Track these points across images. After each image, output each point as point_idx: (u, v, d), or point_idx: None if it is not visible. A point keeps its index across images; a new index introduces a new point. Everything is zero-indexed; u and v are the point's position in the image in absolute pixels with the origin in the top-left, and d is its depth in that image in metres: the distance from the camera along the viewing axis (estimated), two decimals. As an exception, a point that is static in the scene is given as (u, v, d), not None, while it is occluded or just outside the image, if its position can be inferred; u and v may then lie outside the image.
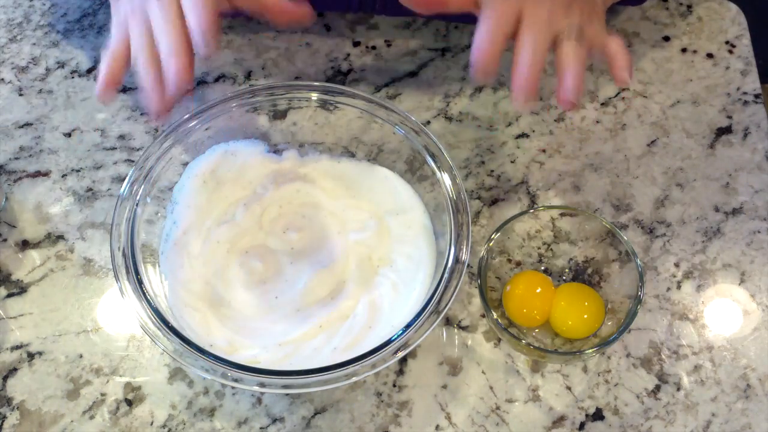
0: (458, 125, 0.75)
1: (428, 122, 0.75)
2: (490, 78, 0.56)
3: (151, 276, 0.62)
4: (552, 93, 0.77)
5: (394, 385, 0.64)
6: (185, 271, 0.64)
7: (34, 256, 0.69)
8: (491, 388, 0.63)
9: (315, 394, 0.63)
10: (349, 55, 0.79)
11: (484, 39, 0.56)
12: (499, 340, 0.65)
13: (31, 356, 0.65)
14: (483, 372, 0.64)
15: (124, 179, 0.65)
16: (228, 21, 0.81)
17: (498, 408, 0.63)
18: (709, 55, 0.79)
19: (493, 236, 0.63)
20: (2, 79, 0.78)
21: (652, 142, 0.74)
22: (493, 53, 0.56)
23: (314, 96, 0.68)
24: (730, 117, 0.75)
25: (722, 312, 0.66)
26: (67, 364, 0.65)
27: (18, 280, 0.68)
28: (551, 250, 0.66)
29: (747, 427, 0.62)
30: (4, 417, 0.63)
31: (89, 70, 0.79)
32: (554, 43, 0.58)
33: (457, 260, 0.60)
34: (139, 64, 0.59)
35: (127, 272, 0.60)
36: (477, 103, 0.76)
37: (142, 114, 0.76)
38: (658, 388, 0.63)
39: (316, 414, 0.63)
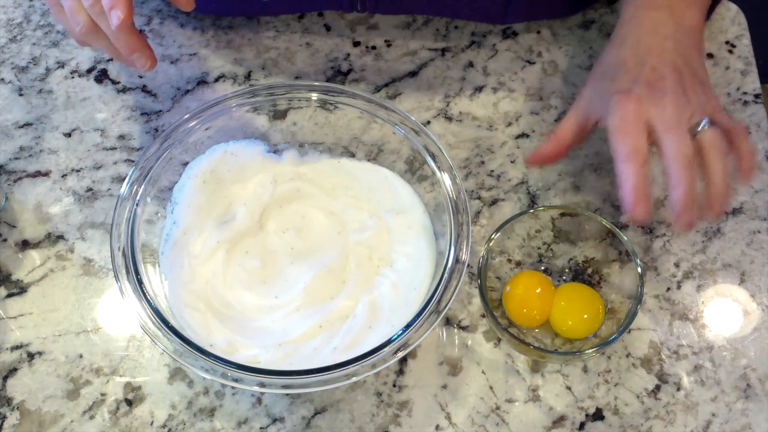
0: (458, 125, 0.75)
1: (428, 122, 0.75)
2: (649, 216, 0.57)
3: (151, 276, 0.62)
4: (552, 92, 0.77)
5: (394, 385, 0.64)
6: (185, 271, 0.64)
7: (34, 256, 0.69)
8: (491, 388, 0.63)
9: (315, 394, 0.63)
10: (349, 55, 0.79)
11: (632, 193, 0.57)
12: (499, 340, 0.65)
13: (31, 356, 0.65)
14: (483, 372, 0.64)
15: (124, 179, 0.65)
16: (228, 21, 0.81)
17: (498, 408, 0.63)
18: (709, 55, 0.79)
19: (493, 236, 0.63)
20: (2, 79, 0.78)
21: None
22: (645, 194, 0.57)
23: (314, 96, 0.68)
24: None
25: (722, 312, 0.66)
26: (67, 364, 0.65)
27: (18, 280, 0.68)
28: (551, 250, 0.66)
29: (747, 427, 0.62)
30: (4, 417, 0.63)
31: (89, 70, 0.79)
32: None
33: (457, 260, 0.60)
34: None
35: (127, 272, 0.60)
36: (477, 103, 0.76)
37: (142, 114, 0.76)
38: (658, 388, 0.63)
39: (316, 414, 0.63)
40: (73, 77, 0.78)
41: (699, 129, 0.58)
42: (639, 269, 0.61)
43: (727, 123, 0.60)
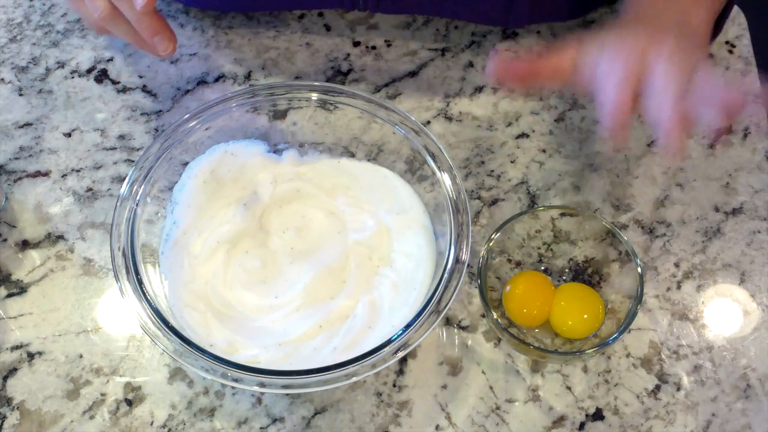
0: (458, 125, 0.75)
1: (428, 122, 0.75)
2: (626, 141, 0.55)
3: (151, 276, 0.62)
4: (551, 93, 0.77)
5: (394, 385, 0.64)
6: (185, 271, 0.64)
7: (34, 256, 0.69)
8: (491, 388, 0.63)
9: (315, 394, 0.63)
10: (349, 55, 0.79)
11: (613, 104, 0.55)
12: (499, 340, 0.65)
13: (31, 356, 0.65)
14: (483, 372, 0.64)
15: (124, 179, 0.65)
16: (228, 21, 0.81)
17: (498, 408, 0.63)
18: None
19: (493, 236, 0.63)
20: (2, 79, 0.78)
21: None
22: (624, 118, 0.55)
23: (314, 96, 0.68)
24: (730, 117, 0.75)
25: (722, 312, 0.66)
26: (67, 364, 0.65)
27: (18, 280, 0.68)
28: (551, 250, 0.66)
29: (747, 427, 0.62)
30: (4, 417, 0.63)
31: (89, 70, 0.79)
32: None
33: (457, 260, 0.60)
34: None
35: (127, 272, 0.60)
36: (477, 103, 0.76)
37: (142, 114, 0.76)
38: (658, 388, 0.63)
39: (316, 414, 0.63)
40: (73, 77, 0.78)
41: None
42: (639, 269, 0.61)
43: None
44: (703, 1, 0.64)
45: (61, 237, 0.70)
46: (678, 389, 0.63)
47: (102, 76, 0.78)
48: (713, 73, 0.56)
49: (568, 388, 0.63)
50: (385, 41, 0.80)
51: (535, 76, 0.60)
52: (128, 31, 0.65)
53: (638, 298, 0.60)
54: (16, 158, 0.74)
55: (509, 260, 0.66)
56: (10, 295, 0.67)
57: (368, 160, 0.70)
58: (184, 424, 0.62)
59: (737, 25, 0.81)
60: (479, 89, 0.77)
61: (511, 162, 0.73)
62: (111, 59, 0.79)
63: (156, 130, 0.75)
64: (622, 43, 0.58)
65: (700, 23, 0.63)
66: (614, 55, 0.57)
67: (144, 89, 0.77)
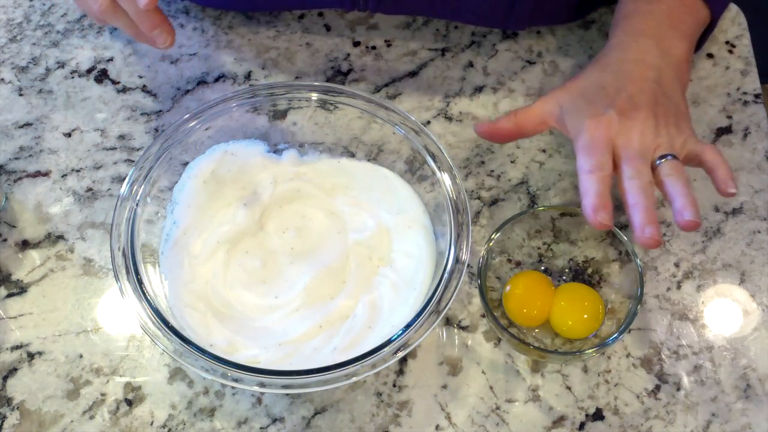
0: (458, 125, 0.75)
1: (428, 122, 0.75)
2: (611, 222, 0.57)
3: (151, 276, 0.62)
4: (552, 93, 0.77)
5: (394, 385, 0.64)
6: (185, 271, 0.64)
7: (34, 256, 0.69)
8: (491, 388, 0.63)
9: (315, 394, 0.63)
10: (349, 55, 0.79)
11: (593, 199, 0.57)
12: (499, 340, 0.65)
13: (31, 356, 0.65)
14: (483, 372, 0.64)
15: (124, 179, 0.65)
16: (228, 21, 0.81)
17: (498, 408, 0.63)
18: (709, 55, 0.79)
19: (493, 236, 0.63)
20: (2, 79, 0.78)
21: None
22: (607, 201, 0.57)
23: (314, 96, 0.68)
24: (730, 117, 0.75)
25: (722, 312, 0.66)
26: (67, 364, 0.65)
27: (18, 280, 0.68)
28: (551, 250, 0.66)
29: (747, 427, 0.62)
30: (4, 417, 0.63)
31: (89, 70, 0.79)
32: (651, 167, 0.59)
33: (457, 260, 0.60)
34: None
35: (127, 272, 0.60)
36: (477, 103, 0.76)
37: (142, 114, 0.76)
38: (658, 388, 0.63)
39: (316, 414, 0.63)
40: (73, 77, 0.78)
41: (659, 162, 0.59)
42: (639, 269, 0.61)
43: (696, 146, 0.61)
44: (684, 31, 0.66)
45: (61, 237, 0.70)
46: (678, 389, 0.63)
47: (102, 76, 0.78)
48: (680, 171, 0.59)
49: (568, 388, 0.63)
50: (385, 41, 0.80)
51: (519, 132, 0.65)
52: (128, 24, 0.65)
53: (638, 298, 0.60)
54: (16, 158, 0.74)
55: (509, 260, 0.66)
56: (10, 295, 0.67)
57: (368, 160, 0.70)
58: (184, 424, 0.62)
59: (737, 25, 0.81)
60: (479, 89, 0.77)
61: (511, 162, 0.73)
62: (111, 59, 0.79)
63: (156, 130, 0.75)
64: (597, 124, 0.61)
65: (680, 52, 0.65)
66: (588, 141, 0.60)
67: (144, 89, 0.77)
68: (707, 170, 0.60)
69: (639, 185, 0.58)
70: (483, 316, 0.66)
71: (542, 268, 0.66)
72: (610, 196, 0.58)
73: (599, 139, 0.60)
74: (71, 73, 0.78)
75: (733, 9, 0.81)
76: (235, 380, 0.56)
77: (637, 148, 0.59)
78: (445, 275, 0.59)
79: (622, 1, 0.69)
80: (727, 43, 0.80)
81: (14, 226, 0.71)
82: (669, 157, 0.59)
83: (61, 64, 0.79)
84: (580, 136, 0.61)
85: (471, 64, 0.79)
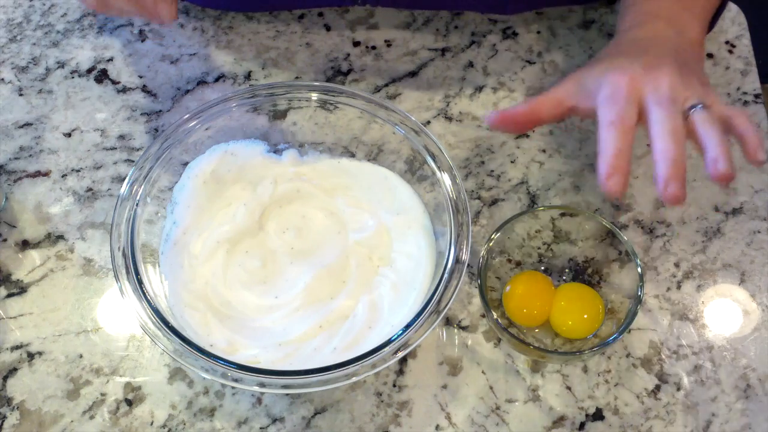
0: (458, 125, 0.75)
1: (428, 122, 0.75)
2: (624, 192, 0.53)
3: (151, 276, 0.62)
4: (552, 93, 0.77)
5: (394, 385, 0.64)
6: (185, 271, 0.64)
7: (34, 256, 0.69)
8: (491, 388, 0.63)
9: (315, 394, 0.63)
10: (349, 55, 0.79)
11: (610, 158, 0.53)
12: (499, 340, 0.65)
13: (31, 356, 0.65)
14: (483, 372, 0.64)
15: (124, 179, 0.65)
16: (228, 21, 0.81)
17: (498, 408, 0.63)
18: (709, 55, 0.79)
19: (493, 236, 0.63)
20: (2, 79, 0.78)
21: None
22: (624, 163, 0.53)
23: (314, 96, 0.68)
24: (730, 117, 0.75)
25: (722, 312, 0.66)
26: (67, 364, 0.65)
27: (18, 280, 0.68)
28: (551, 250, 0.66)
29: (747, 427, 0.62)
30: (4, 417, 0.63)
31: (89, 70, 0.79)
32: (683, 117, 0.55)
33: (457, 260, 0.60)
34: None
35: (127, 272, 0.60)
36: (477, 103, 0.76)
37: (142, 114, 0.76)
38: (658, 388, 0.63)
39: (316, 414, 0.63)
40: (73, 77, 0.78)
41: (691, 111, 0.55)
42: (639, 269, 0.61)
43: (726, 110, 0.57)
44: (697, 13, 0.64)
45: (61, 237, 0.70)
46: (678, 389, 0.63)
47: (102, 76, 0.78)
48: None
49: (568, 388, 0.63)
50: (385, 41, 0.80)
51: (536, 116, 0.59)
52: (128, 3, 0.62)
53: (638, 298, 0.60)
54: (16, 158, 0.74)
55: (509, 260, 0.66)
56: (10, 295, 0.67)
57: (368, 160, 0.70)
58: (184, 424, 0.62)
59: (737, 25, 0.81)
60: (479, 89, 0.77)
61: (511, 162, 0.73)
62: (111, 59, 0.79)
63: (156, 130, 0.75)
64: (621, 73, 0.57)
65: (696, 34, 0.63)
66: (611, 91, 0.56)
67: (144, 89, 0.77)
68: (737, 135, 0.55)
69: (671, 129, 0.53)
70: (483, 316, 0.66)
71: (542, 268, 0.66)
72: (629, 157, 0.53)
73: (623, 86, 0.55)
74: (71, 73, 0.78)
75: (733, 9, 0.81)
76: (235, 380, 0.56)
77: (666, 93, 0.55)
78: (445, 275, 0.59)
79: None
80: (727, 43, 0.80)
81: (14, 226, 0.71)
82: (700, 107, 0.55)
83: (61, 64, 0.79)
84: (601, 88, 0.56)
85: (471, 64, 0.79)
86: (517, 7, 0.77)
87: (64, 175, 0.73)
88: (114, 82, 0.78)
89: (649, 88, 0.56)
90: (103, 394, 0.63)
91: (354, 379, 0.56)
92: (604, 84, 0.57)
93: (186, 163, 0.68)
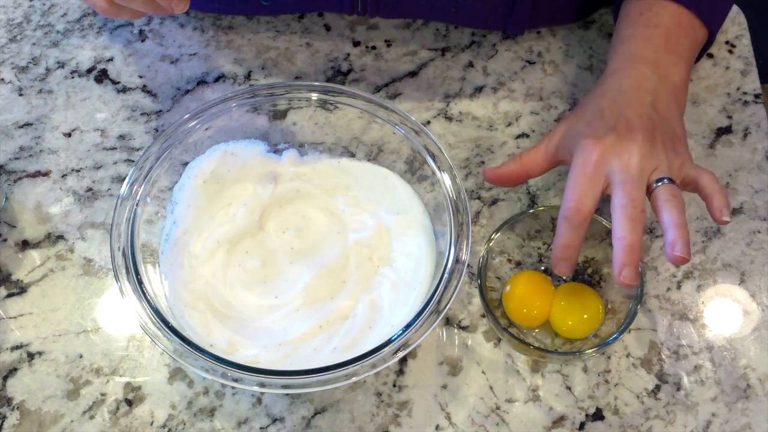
0: (458, 125, 0.75)
1: (428, 122, 0.75)
2: (570, 273, 0.59)
3: (151, 276, 0.62)
4: (552, 92, 0.77)
5: (394, 385, 0.64)
6: (185, 271, 0.64)
7: (34, 256, 0.69)
8: (491, 388, 0.63)
9: (315, 394, 0.63)
10: (349, 55, 0.79)
11: (560, 241, 0.59)
12: (499, 340, 0.65)
13: (31, 356, 0.65)
14: (483, 372, 0.64)
15: (124, 179, 0.65)
16: (228, 21, 0.81)
17: (498, 408, 0.63)
18: (709, 55, 0.79)
19: (493, 236, 0.63)
20: (2, 79, 0.78)
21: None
22: (572, 253, 0.59)
23: (314, 96, 0.68)
24: (730, 117, 0.75)
25: (722, 312, 0.66)
26: (67, 364, 0.65)
27: (18, 280, 0.68)
28: (551, 250, 0.66)
29: (747, 427, 0.62)
30: (4, 417, 0.63)
31: (89, 70, 0.79)
32: (647, 189, 0.59)
33: (457, 260, 0.60)
34: None
35: (127, 272, 0.60)
36: (477, 103, 0.76)
37: (142, 114, 0.76)
38: (658, 388, 0.63)
39: (316, 414, 0.63)
40: (73, 77, 0.78)
41: (656, 186, 0.59)
42: (639, 269, 0.61)
43: (693, 171, 0.61)
44: (683, 53, 0.66)
45: (61, 237, 0.70)
46: (678, 389, 0.63)
47: (102, 76, 0.78)
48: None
49: (568, 388, 0.63)
50: (385, 41, 0.80)
51: (526, 173, 0.65)
52: (144, 3, 0.62)
53: (638, 298, 0.60)
54: (16, 158, 0.74)
55: (509, 260, 0.66)
56: (10, 295, 0.67)
57: (368, 160, 0.70)
58: (184, 424, 0.62)
59: (737, 25, 0.81)
60: (479, 89, 0.77)
61: (511, 162, 0.73)
62: (111, 59, 0.79)
63: (156, 130, 0.75)
64: (595, 142, 0.60)
65: (678, 77, 0.65)
66: (581, 163, 0.60)
67: (144, 89, 0.77)
68: (703, 196, 0.60)
69: (629, 216, 0.57)
70: (483, 316, 0.66)
71: (542, 268, 0.66)
72: (578, 248, 0.58)
73: (593, 162, 0.59)
74: (71, 73, 0.78)
75: (734, 9, 0.81)
76: (235, 380, 0.56)
77: (634, 170, 0.59)
78: (445, 275, 0.59)
79: (620, 25, 0.69)
80: (727, 43, 0.80)
81: (14, 226, 0.71)
82: (666, 181, 0.59)
83: (61, 64, 0.79)
84: (574, 157, 0.61)
85: (471, 64, 0.79)
86: (517, 28, 0.77)
87: (64, 175, 0.73)
88: (114, 82, 0.78)
89: (617, 165, 0.59)
90: (103, 394, 0.63)
91: (354, 379, 0.56)
92: (578, 151, 0.61)
93: (186, 163, 0.68)
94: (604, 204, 0.71)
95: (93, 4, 0.63)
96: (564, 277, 0.66)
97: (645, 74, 0.64)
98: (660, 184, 0.59)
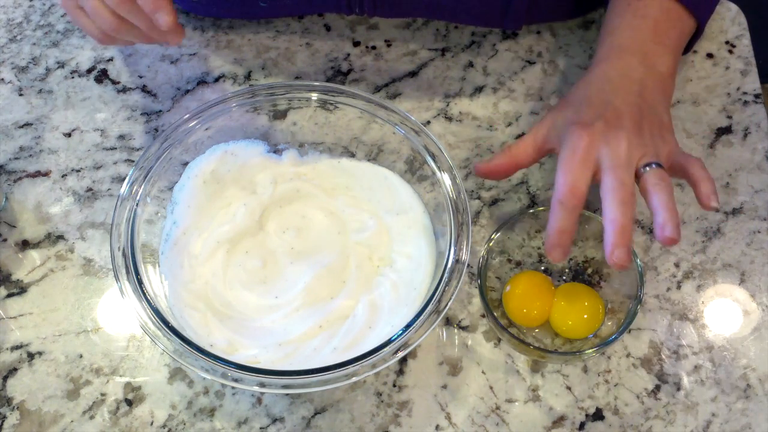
0: (458, 125, 0.75)
1: (428, 122, 0.75)
2: (564, 259, 0.59)
3: (151, 276, 0.62)
4: (552, 92, 0.77)
5: (394, 385, 0.64)
6: (185, 271, 0.64)
7: (34, 256, 0.69)
8: (491, 388, 0.63)
9: (315, 394, 0.63)
10: (349, 55, 0.79)
11: (554, 227, 0.58)
12: (499, 340, 0.65)
13: (31, 356, 0.65)
14: (483, 372, 0.64)
15: (124, 179, 0.65)
16: (228, 21, 0.81)
17: (498, 408, 0.63)
18: (709, 55, 0.79)
19: (493, 236, 0.63)
20: (2, 79, 0.78)
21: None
22: (566, 240, 0.58)
23: (314, 96, 0.68)
24: (730, 117, 0.75)
25: (722, 312, 0.66)
26: (67, 364, 0.65)
27: (18, 280, 0.68)
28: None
29: (747, 427, 0.62)
30: (4, 417, 0.63)
31: (89, 70, 0.79)
32: (636, 175, 0.59)
33: (457, 260, 0.60)
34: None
35: (127, 272, 0.60)
36: (477, 103, 0.76)
37: (142, 114, 0.76)
38: (658, 388, 0.63)
39: (316, 414, 0.63)
40: (73, 77, 0.78)
41: (644, 170, 0.59)
42: (639, 269, 0.61)
43: (681, 158, 0.61)
44: (669, 45, 0.66)
45: (61, 237, 0.70)
46: (678, 389, 0.63)
47: (102, 76, 0.78)
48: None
49: (568, 388, 0.63)
50: (385, 41, 0.80)
51: (515, 164, 0.65)
52: (138, 35, 0.62)
53: (638, 298, 0.60)
54: (16, 158, 0.74)
55: (509, 260, 0.66)
56: (10, 295, 0.67)
57: (368, 160, 0.70)
58: (184, 424, 0.62)
59: (737, 25, 0.81)
60: (479, 89, 0.77)
61: (511, 162, 0.73)
62: (111, 59, 0.79)
63: (156, 130, 0.75)
64: (582, 129, 0.60)
65: (664, 68, 0.65)
66: (571, 149, 0.60)
67: (144, 89, 0.77)
68: (691, 183, 0.60)
69: (620, 198, 0.57)
70: (483, 316, 0.66)
71: (542, 268, 0.66)
72: (572, 233, 0.58)
73: (582, 149, 0.59)
74: (71, 73, 0.78)
75: (733, 9, 0.81)
76: (235, 380, 0.56)
77: (623, 156, 0.59)
78: (445, 275, 0.59)
79: (608, 15, 0.69)
80: (727, 43, 0.80)
81: (14, 226, 0.71)
82: (654, 166, 0.59)
83: (61, 64, 0.79)
84: (563, 144, 0.61)
85: (471, 64, 0.79)
86: (515, 24, 0.78)
87: (64, 175, 0.73)
88: (114, 82, 0.78)
89: (606, 151, 0.59)
90: (103, 394, 0.63)
91: (354, 379, 0.56)
92: (567, 138, 0.61)
93: (186, 163, 0.68)
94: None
95: (88, 33, 0.63)
96: (564, 277, 0.66)
97: (632, 64, 0.64)
98: (648, 168, 0.59)
